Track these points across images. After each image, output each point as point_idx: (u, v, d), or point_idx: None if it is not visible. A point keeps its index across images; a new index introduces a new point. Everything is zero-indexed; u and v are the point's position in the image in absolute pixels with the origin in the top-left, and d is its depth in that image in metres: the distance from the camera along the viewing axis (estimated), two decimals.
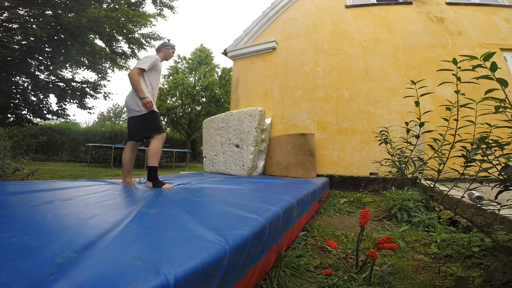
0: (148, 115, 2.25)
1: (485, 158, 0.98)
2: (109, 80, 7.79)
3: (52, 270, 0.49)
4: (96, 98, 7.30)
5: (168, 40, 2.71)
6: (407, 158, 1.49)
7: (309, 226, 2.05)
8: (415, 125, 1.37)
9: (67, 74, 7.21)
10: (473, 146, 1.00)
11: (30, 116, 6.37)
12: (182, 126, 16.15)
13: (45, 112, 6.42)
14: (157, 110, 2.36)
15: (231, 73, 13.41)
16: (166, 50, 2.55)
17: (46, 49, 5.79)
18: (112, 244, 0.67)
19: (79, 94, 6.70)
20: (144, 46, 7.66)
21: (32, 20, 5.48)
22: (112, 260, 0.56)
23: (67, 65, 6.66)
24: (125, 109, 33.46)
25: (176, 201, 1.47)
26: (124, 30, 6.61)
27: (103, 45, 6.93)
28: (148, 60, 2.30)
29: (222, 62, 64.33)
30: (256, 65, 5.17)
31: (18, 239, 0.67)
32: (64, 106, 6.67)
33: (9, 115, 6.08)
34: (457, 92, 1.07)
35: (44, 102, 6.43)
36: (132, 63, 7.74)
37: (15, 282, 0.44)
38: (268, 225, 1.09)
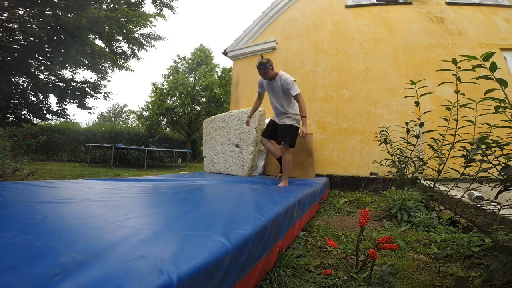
0: (294, 128, 2.72)
1: (485, 158, 0.99)
2: (109, 80, 7.78)
3: (57, 270, 0.49)
4: (96, 98, 7.30)
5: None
6: (407, 158, 1.49)
7: (309, 226, 2.06)
8: (415, 125, 1.38)
9: (67, 74, 7.20)
10: (473, 146, 1.00)
11: (30, 116, 6.37)
12: (182, 126, 16.14)
13: (45, 112, 6.41)
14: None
15: (231, 73, 13.40)
16: None
17: (46, 49, 5.78)
18: (115, 243, 0.67)
19: (79, 94, 6.70)
20: (144, 46, 7.67)
21: (32, 20, 5.48)
22: (115, 260, 0.57)
23: (67, 65, 6.65)
24: (125, 109, 33.57)
25: (178, 201, 1.47)
26: (124, 30, 6.62)
27: (103, 45, 6.93)
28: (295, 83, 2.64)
29: (222, 62, 64.37)
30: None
31: (21, 239, 0.67)
32: (64, 106, 6.66)
33: (8, 115, 6.08)
34: (457, 92, 1.07)
35: (44, 102, 6.42)
36: (132, 63, 7.78)
37: (19, 282, 0.45)
38: (269, 225, 1.09)
